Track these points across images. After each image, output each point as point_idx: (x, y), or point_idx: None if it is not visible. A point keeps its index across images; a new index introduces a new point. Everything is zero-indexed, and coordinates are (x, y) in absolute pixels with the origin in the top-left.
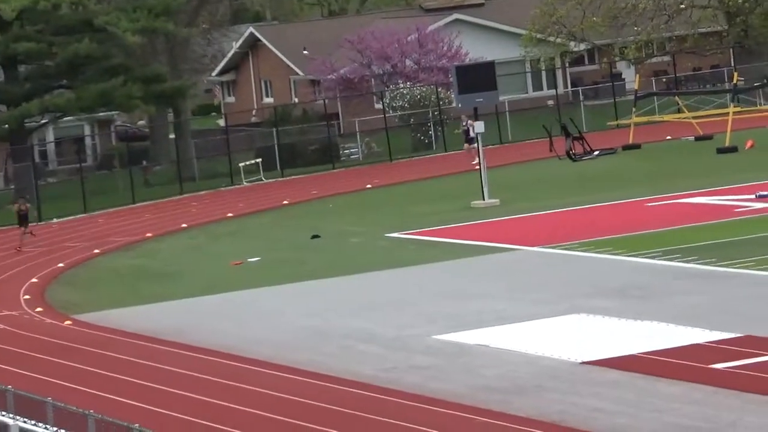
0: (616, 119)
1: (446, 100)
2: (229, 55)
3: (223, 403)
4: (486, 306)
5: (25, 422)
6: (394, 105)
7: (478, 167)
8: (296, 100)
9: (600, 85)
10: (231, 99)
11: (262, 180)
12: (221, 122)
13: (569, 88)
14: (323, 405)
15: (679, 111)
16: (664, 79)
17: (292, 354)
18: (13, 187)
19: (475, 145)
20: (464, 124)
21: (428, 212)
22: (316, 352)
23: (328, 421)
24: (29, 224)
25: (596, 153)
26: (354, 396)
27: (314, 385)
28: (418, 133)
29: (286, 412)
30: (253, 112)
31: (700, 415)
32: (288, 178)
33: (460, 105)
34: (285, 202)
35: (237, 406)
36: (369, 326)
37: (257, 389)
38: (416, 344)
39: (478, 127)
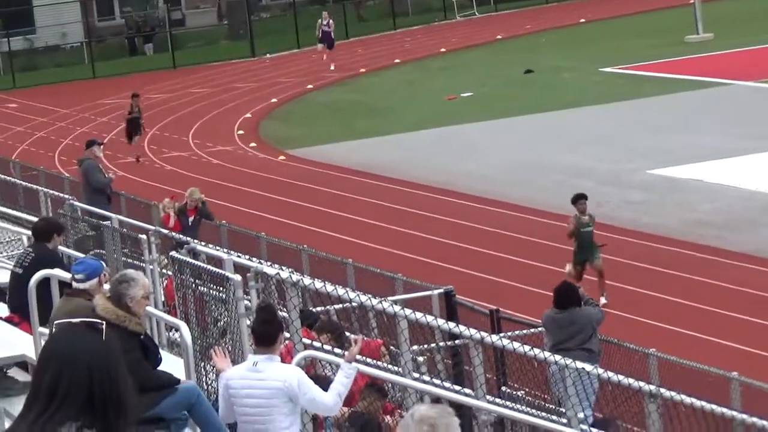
0: None
1: None
2: None
3: (432, 237)
4: (700, 141)
5: (239, 256)
6: None
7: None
8: None
9: None
10: None
11: (475, 14)
12: None
13: None
14: (537, 240)
15: None
16: None
17: (506, 189)
18: (226, 22)
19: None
20: (324, 23)
21: (641, 46)
22: (530, 188)
23: (543, 256)
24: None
25: None
26: (559, 230)
27: (528, 219)
28: None
29: (500, 248)
30: None
31: None
32: (501, 12)
33: None
34: (498, 36)
35: (447, 240)
36: (582, 161)
37: (468, 223)
38: (630, 179)
39: None
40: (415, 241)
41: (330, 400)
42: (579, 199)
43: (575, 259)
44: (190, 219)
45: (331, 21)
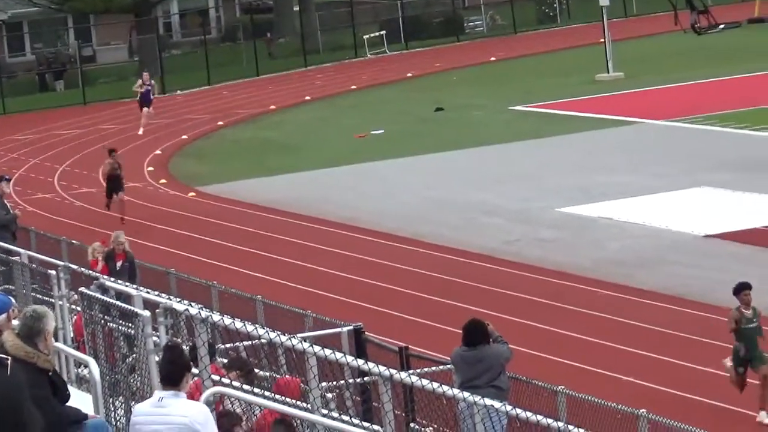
0: None
1: None
2: None
3: (342, 274)
4: (609, 179)
5: (148, 293)
6: None
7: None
8: None
9: None
10: None
11: (386, 52)
12: None
13: None
14: (446, 277)
15: None
16: None
17: (415, 226)
18: (137, 59)
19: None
20: (146, 83)
21: (552, 85)
22: (440, 225)
23: (452, 293)
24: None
25: (721, 26)
26: (477, 268)
27: (437, 257)
28: (543, 6)
29: (409, 285)
30: None
31: None
32: (412, 50)
33: None
34: (409, 74)
35: (356, 278)
36: (492, 199)
37: (378, 260)
38: (540, 217)
39: (602, 1)
40: (325, 278)
41: None
42: (742, 289)
43: (735, 361)
44: (118, 264)
45: (152, 81)
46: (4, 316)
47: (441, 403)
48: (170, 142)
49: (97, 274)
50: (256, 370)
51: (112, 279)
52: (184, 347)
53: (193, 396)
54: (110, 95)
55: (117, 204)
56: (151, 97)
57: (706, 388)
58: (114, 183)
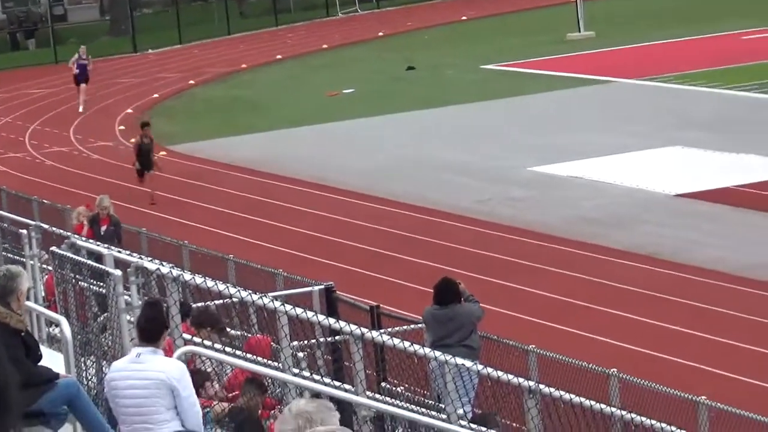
0: None
1: None
2: None
3: (312, 233)
4: (581, 138)
5: (119, 252)
6: None
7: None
8: None
9: None
10: None
11: (357, 11)
12: None
13: None
14: (418, 236)
15: None
16: None
17: (386, 185)
18: (108, 18)
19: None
20: (83, 57)
21: (523, 44)
22: (411, 184)
23: (424, 253)
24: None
25: None
26: (449, 227)
27: (408, 216)
28: None
29: (380, 244)
30: None
31: None
32: (384, 9)
33: None
34: (380, 33)
35: (327, 236)
36: (464, 158)
37: (348, 219)
38: (511, 176)
39: None
40: (297, 237)
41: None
42: None
43: None
44: (103, 228)
45: (89, 56)
46: None
47: (412, 362)
48: (141, 101)
49: (74, 236)
50: (228, 329)
51: (98, 243)
52: (162, 305)
53: (165, 355)
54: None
55: (147, 182)
56: (88, 71)
57: (676, 346)
58: (145, 159)
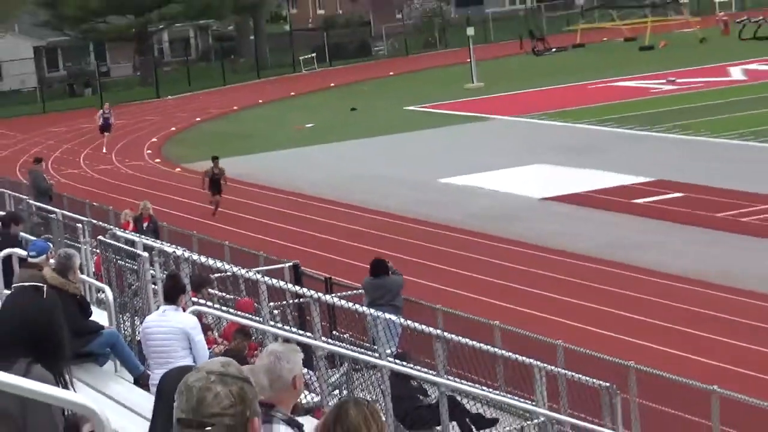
0: (568, 26)
1: (447, 12)
2: None
3: (286, 226)
4: (474, 158)
5: (147, 239)
6: (411, 15)
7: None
8: (340, 11)
9: (556, 1)
10: (294, 11)
11: (315, 69)
12: (287, 27)
13: (534, 4)
14: (359, 228)
15: (613, 20)
16: None
17: (337, 193)
18: (139, 73)
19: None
20: (106, 112)
21: (434, 92)
22: (355, 192)
23: (364, 240)
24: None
25: (553, 50)
26: (381, 222)
27: (352, 214)
28: (428, 35)
29: (332, 233)
30: (310, 20)
31: (622, 234)
32: (335, 67)
33: (454, 15)
34: (332, 84)
35: (297, 229)
36: (394, 172)
37: (310, 216)
38: (427, 185)
39: (469, 31)
40: (273, 230)
41: (206, 356)
42: None
43: None
44: (144, 225)
45: (110, 110)
46: (44, 256)
47: (354, 317)
48: (162, 133)
49: (115, 228)
50: (224, 294)
51: (140, 235)
52: (181, 276)
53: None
54: (121, 99)
55: (214, 201)
56: (110, 123)
57: (542, 304)
58: (215, 185)
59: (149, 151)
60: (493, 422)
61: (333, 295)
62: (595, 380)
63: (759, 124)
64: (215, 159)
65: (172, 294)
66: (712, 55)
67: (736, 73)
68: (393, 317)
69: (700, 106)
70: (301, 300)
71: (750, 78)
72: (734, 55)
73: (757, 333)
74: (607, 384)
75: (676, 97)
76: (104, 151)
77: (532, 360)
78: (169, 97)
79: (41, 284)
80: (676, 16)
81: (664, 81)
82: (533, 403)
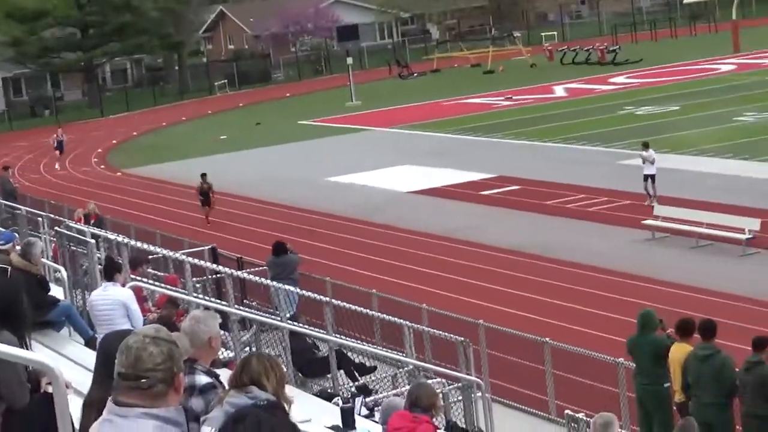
0: (427, 55)
1: (331, 45)
2: (208, 21)
3: (203, 216)
4: (354, 161)
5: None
6: (302, 48)
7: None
8: (246, 46)
9: (416, 36)
10: (209, 46)
11: (227, 92)
12: (204, 59)
13: (399, 38)
14: (262, 217)
15: (462, 50)
16: (454, 32)
17: (249, 190)
18: (87, 98)
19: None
20: (59, 137)
21: (321, 109)
22: (263, 189)
23: (268, 226)
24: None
25: (416, 74)
26: (283, 212)
27: (259, 207)
28: (316, 64)
29: (242, 221)
30: (222, 53)
31: (474, 219)
32: (243, 91)
33: (337, 47)
34: (240, 104)
35: (217, 219)
36: (293, 173)
37: (227, 209)
38: (316, 183)
39: (348, 60)
40: (195, 219)
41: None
42: None
43: None
44: (92, 222)
45: (63, 135)
46: (11, 244)
47: (260, 289)
48: (106, 145)
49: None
50: (156, 272)
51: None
52: (116, 258)
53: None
54: (73, 119)
55: (204, 211)
56: (63, 146)
57: (408, 275)
58: (205, 198)
59: (96, 159)
60: (372, 369)
61: (243, 271)
62: (452, 335)
63: (578, 130)
64: (204, 176)
65: (109, 272)
66: (540, 77)
67: (560, 90)
68: (291, 288)
69: (532, 117)
70: (217, 275)
71: (570, 94)
72: (558, 77)
73: (570, 293)
74: (462, 338)
75: (513, 110)
76: (57, 167)
77: (402, 320)
78: (111, 116)
79: (8, 267)
80: (512, 47)
81: (503, 98)
82: (404, 355)
